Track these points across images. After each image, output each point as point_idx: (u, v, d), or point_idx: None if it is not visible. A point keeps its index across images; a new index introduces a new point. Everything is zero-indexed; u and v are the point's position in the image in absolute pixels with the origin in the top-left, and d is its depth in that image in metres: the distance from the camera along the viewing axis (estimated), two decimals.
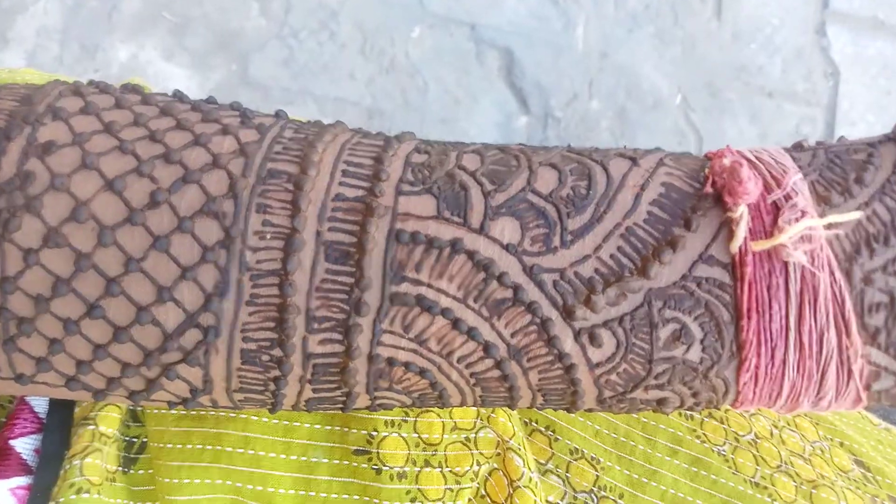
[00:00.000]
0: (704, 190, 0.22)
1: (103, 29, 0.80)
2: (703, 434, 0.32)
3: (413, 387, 0.23)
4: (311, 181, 0.22)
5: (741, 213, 0.22)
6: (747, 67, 1.00)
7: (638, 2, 0.99)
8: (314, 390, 0.23)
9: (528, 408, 0.25)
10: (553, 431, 0.31)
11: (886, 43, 1.01)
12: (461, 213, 0.22)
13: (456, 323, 0.22)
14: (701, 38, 1.01)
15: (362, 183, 0.22)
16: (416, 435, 0.29)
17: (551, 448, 0.31)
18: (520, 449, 0.30)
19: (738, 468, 0.32)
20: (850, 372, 0.21)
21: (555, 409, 0.24)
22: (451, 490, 0.29)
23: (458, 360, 0.22)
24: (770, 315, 0.21)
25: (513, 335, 0.22)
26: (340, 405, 0.24)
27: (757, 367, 0.22)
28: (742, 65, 1.01)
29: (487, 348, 0.22)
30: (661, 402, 0.23)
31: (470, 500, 0.31)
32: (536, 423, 0.31)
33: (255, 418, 0.29)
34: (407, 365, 0.22)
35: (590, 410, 0.24)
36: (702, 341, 0.22)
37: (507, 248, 0.22)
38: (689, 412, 0.33)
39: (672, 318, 0.22)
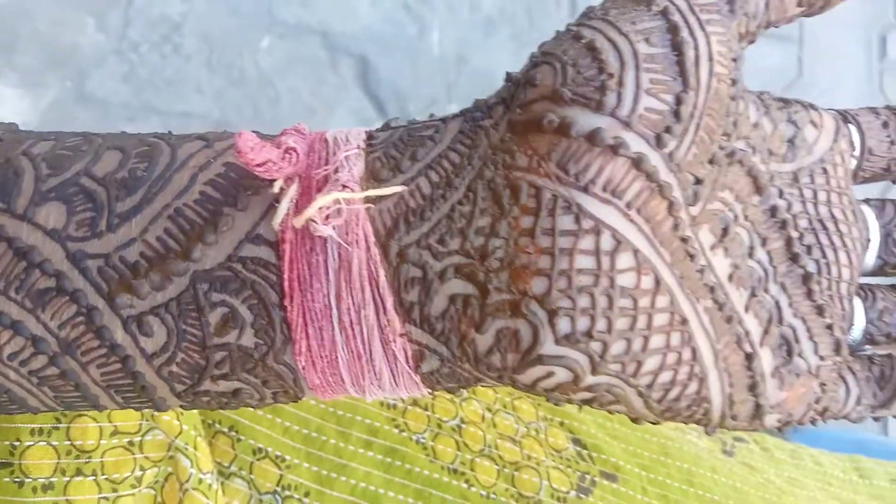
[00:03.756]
0: None
1: None
2: (404, 423, 0.32)
3: None
4: None
5: (279, 187, 0.21)
6: None
7: (492, 5, 1.00)
8: None
9: (117, 409, 0.23)
10: (236, 431, 0.30)
11: None
12: (7, 198, 0.21)
13: None
14: None
15: None
16: (69, 442, 0.28)
17: (234, 449, 0.30)
18: (186, 448, 0.28)
19: (436, 455, 0.31)
20: (393, 352, 0.21)
21: (138, 410, 0.23)
22: (107, 499, 0.27)
23: (10, 358, 0.21)
24: (312, 294, 0.21)
25: (60, 327, 0.21)
26: None
27: (309, 350, 0.21)
28: None
29: (36, 343, 0.21)
30: (235, 395, 0.22)
31: None
32: (219, 424, 0.30)
33: None
34: None
35: (185, 408, 0.23)
36: (252, 325, 0.21)
37: (50, 233, 0.21)
38: (391, 401, 0.32)
39: (220, 302, 0.21)
